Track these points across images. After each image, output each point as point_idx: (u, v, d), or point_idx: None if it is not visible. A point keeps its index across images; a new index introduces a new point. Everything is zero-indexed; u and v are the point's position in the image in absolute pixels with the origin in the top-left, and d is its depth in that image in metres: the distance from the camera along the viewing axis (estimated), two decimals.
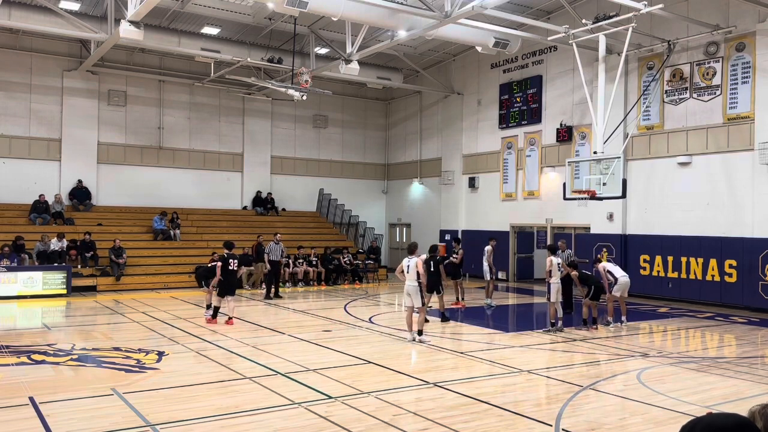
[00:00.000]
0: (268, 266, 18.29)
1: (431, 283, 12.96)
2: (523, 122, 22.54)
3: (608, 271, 13.23)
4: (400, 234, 28.82)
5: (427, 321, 13.19)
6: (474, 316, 15.05)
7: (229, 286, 13.14)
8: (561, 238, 18.14)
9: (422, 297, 11.45)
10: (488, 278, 16.60)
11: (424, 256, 12.21)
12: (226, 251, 13.38)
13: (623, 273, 13.44)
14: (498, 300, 17.86)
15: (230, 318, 13.06)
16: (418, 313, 11.35)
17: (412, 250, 11.73)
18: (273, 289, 18.06)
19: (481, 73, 24.33)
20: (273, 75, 23.63)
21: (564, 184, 17.12)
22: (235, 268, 13.33)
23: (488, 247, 16.58)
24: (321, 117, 27.84)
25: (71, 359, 9.64)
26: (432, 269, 13.25)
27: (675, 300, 17.58)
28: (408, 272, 11.33)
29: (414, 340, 11.24)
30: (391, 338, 11.77)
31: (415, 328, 11.33)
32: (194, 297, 17.13)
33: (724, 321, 14.54)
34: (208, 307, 14.03)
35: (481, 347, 11.16)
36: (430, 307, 13.86)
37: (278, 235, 18.94)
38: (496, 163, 23.62)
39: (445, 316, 13.71)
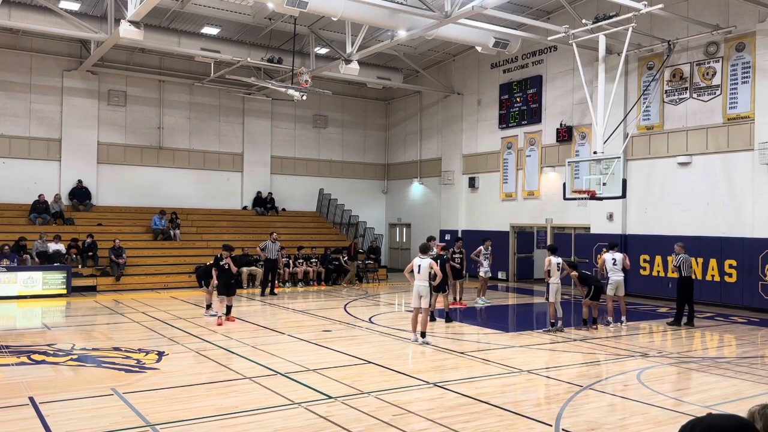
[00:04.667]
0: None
1: (439, 283, 12.90)
2: (523, 122, 22.54)
3: (604, 264, 13.42)
4: (400, 234, 28.78)
5: (433, 320, 13.19)
6: (474, 316, 15.09)
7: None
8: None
9: (431, 298, 11.42)
10: (485, 276, 16.90)
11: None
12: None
13: (616, 270, 13.36)
14: (498, 300, 17.86)
15: (219, 316, 13.28)
16: (422, 313, 11.26)
17: (424, 250, 11.46)
18: (269, 287, 18.49)
19: (481, 73, 24.32)
20: (273, 75, 23.62)
21: (564, 184, 17.11)
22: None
23: (482, 248, 16.85)
24: (321, 117, 27.84)
25: (71, 359, 9.64)
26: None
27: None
28: (420, 272, 11.14)
29: (417, 341, 11.20)
30: (391, 338, 11.77)
31: (420, 329, 11.25)
32: (194, 297, 17.13)
33: (724, 321, 14.55)
34: (208, 307, 14.36)
35: (481, 347, 11.16)
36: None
37: (274, 234, 19.16)
38: (496, 163, 23.62)
39: (449, 316, 13.70)
